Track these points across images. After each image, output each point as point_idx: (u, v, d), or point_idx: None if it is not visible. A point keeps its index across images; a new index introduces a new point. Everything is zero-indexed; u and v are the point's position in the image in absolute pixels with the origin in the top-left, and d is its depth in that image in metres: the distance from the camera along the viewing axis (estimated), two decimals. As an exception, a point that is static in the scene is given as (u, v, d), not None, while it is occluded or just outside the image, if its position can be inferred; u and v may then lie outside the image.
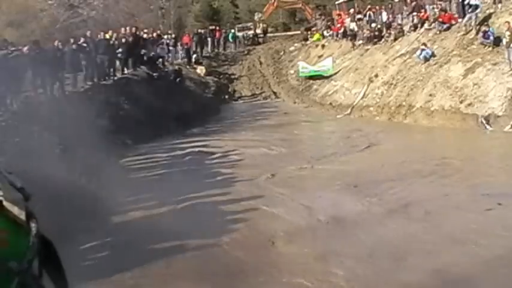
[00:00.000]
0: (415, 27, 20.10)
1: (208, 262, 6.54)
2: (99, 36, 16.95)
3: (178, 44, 25.47)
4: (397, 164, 10.82)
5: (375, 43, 21.69)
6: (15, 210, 1.57)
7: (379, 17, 23.27)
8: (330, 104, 20.45)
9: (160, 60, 21.35)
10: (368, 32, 22.73)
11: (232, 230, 7.55)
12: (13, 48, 12.02)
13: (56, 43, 14.32)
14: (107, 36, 17.19)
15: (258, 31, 32.28)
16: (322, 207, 8.42)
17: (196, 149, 13.79)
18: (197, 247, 6.91)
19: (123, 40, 17.93)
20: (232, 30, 31.78)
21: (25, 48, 12.46)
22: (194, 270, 6.35)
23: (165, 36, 24.65)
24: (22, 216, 1.58)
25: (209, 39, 28.44)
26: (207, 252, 6.77)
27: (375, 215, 7.92)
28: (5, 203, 1.55)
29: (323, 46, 25.64)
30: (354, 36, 23.53)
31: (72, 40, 15.24)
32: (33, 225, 1.60)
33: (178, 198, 9.01)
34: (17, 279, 1.52)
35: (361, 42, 22.89)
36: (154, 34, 22.26)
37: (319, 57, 24.79)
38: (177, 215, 8.24)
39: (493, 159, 11.21)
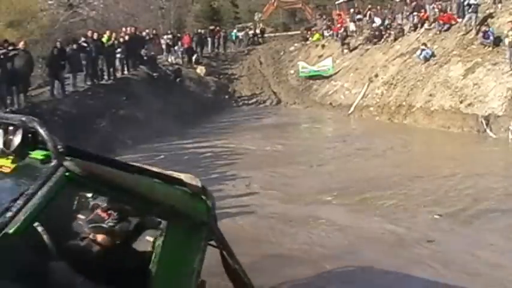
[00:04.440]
0: (415, 27, 20.10)
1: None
2: (99, 36, 16.94)
3: (179, 43, 25.41)
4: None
5: (375, 43, 21.69)
6: (193, 183, 2.65)
7: (380, 16, 23.26)
8: (330, 104, 20.46)
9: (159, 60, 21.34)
10: (368, 32, 22.72)
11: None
12: (11, 48, 12.02)
13: (56, 43, 14.34)
14: (107, 36, 17.17)
15: (256, 31, 32.22)
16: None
17: (194, 150, 13.78)
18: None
19: (123, 40, 17.93)
20: (234, 31, 31.73)
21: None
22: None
23: (165, 36, 24.62)
24: (199, 188, 2.67)
25: (209, 39, 28.40)
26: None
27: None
28: (185, 180, 2.63)
29: (323, 46, 25.60)
30: (344, 38, 23.44)
31: (72, 40, 15.26)
32: (208, 193, 2.74)
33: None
34: (206, 228, 2.68)
35: (347, 51, 22.90)
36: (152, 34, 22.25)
37: (319, 57, 24.76)
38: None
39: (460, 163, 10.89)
